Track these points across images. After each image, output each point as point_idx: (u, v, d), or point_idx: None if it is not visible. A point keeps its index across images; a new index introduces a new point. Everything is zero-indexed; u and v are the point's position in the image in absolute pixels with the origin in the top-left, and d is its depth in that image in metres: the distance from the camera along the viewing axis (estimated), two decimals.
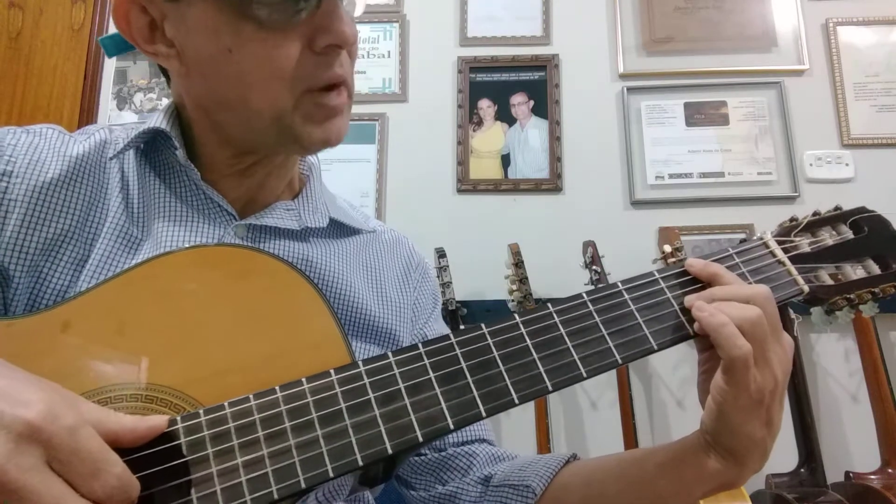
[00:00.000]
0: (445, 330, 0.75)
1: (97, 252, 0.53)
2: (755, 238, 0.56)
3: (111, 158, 0.58)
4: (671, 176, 1.71)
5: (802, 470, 1.29)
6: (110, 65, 1.92)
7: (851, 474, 1.29)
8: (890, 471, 1.26)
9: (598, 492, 0.56)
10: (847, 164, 1.66)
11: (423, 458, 0.67)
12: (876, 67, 1.73)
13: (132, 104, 1.89)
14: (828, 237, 0.57)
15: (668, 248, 1.42)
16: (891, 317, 1.52)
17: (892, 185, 1.64)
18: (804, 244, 0.55)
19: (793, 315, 1.40)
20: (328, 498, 0.52)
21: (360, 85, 1.83)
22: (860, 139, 1.68)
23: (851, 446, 1.50)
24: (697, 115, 1.75)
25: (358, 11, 0.59)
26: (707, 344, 0.49)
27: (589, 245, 1.51)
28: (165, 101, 1.86)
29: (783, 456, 1.37)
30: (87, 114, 1.87)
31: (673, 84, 1.77)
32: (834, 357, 1.56)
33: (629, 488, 0.55)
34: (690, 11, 1.82)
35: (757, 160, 1.70)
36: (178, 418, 0.40)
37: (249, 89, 0.52)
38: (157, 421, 0.39)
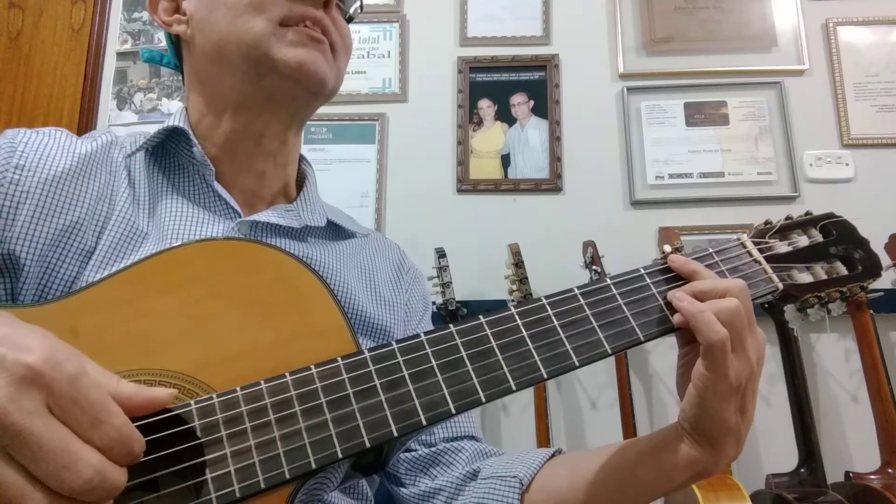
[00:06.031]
0: None
1: (103, 244, 0.55)
2: (733, 238, 0.60)
3: (128, 156, 0.61)
4: (671, 176, 1.71)
5: (802, 470, 1.29)
6: (110, 65, 1.92)
7: (851, 474, 1.28)
8: (890, 471, 1.26)
9: (584, 480, 0.58)
10: (847, 164, 1.66)
11: (413, 453, 0.69)
12: (876, 67, 1.73)
13: (132, 104, 1.89)
14: (799, 240, 0.61)
15: (668, 248, 1.41)
16: (891, 317, 1.52)
17: (892, 185, 1.64)
18: (778, 246, 0.59)
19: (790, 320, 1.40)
20: (320, 487, 0.52)
21: (360, 85, 1.84)
22: (860, 139, 1.68)
23: (851, 446, 1.50)
24: (697, 115, 1.75)
25: None
26: (687, 338, 0.52)
27: (589, 245, 1.51)
28: (165, 101, 1.87)
29: (783, 456, 1.37)
30: (87, 114, 1.87)
31: (673, 84, 1.77)
32: (834, 357, 1.56)
33: (612, 476, 0.57)
34: (690, 11, 1.82)
35: (757, 160, 1.70)
36: (192, 402, 0.42)
37: (232, 22, 0.59)
38: (157, 393, 0.38)
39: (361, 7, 0.70)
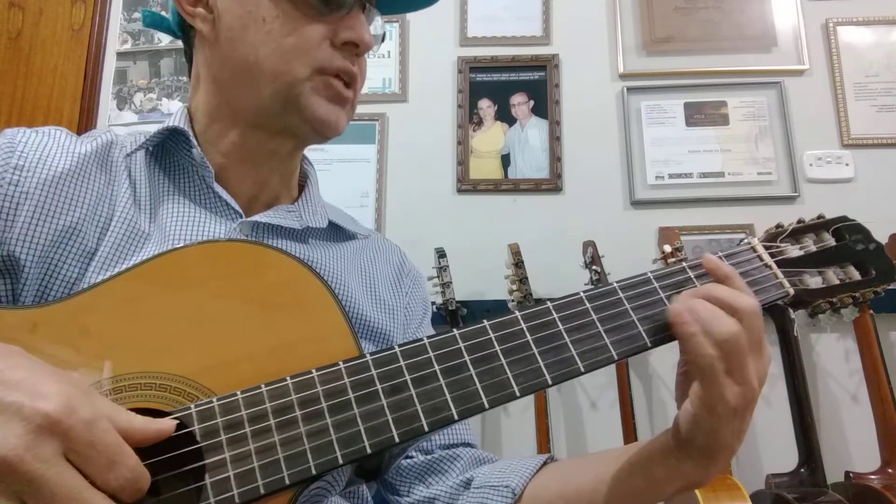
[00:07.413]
0: None
1: (105, 245, 0.55)
2: (744, 243, 0.58)
3: (128, 156, 0.61)
4: (671, 176, 1.71)
5: (802, 470, 1.29)
6: (110, 65, 1.92)
7: (851, 474, 1.28)
8: (890, 471, 1.26)
9: (575, 489, 0.58)
10: (847, 164, 1.67)
11: (410, 461, 0.69)
12: (876, 67, 1.73)
13: (132, 104, 1.89)
14: (811, 244, 0.59)
15: (668, 248, 1.42)
16: (891, 317, 1.52)
17: (892, 185, 1.64)
18: (789, 250, 0.58)
19: (792, 315, 1.40)
20: (322, 492, 0.52)
21: None
22: (860, 139, 1.68)
23: (851, 446, 1.50)
24: (697, 115, 1.75)
25: (377, 35, 0.67)
26: None
27: (589, 245, 1.51)
28: (165, 101, 1.87)
29: (783, 456, 1.37)
30: (87, 114, 1.87)
31: (673, 84, 1.77)
32: (834, 357, 1.56)
33: (603, 485, 0.56)
34: (690, 11, 1.82)
35: (757, 160, 1.70)
36: (192, 406, 0.42)
37: (272, 54, 0.58)
38: (166, 424, 0.40)
39: (383, 38, 0.71)
